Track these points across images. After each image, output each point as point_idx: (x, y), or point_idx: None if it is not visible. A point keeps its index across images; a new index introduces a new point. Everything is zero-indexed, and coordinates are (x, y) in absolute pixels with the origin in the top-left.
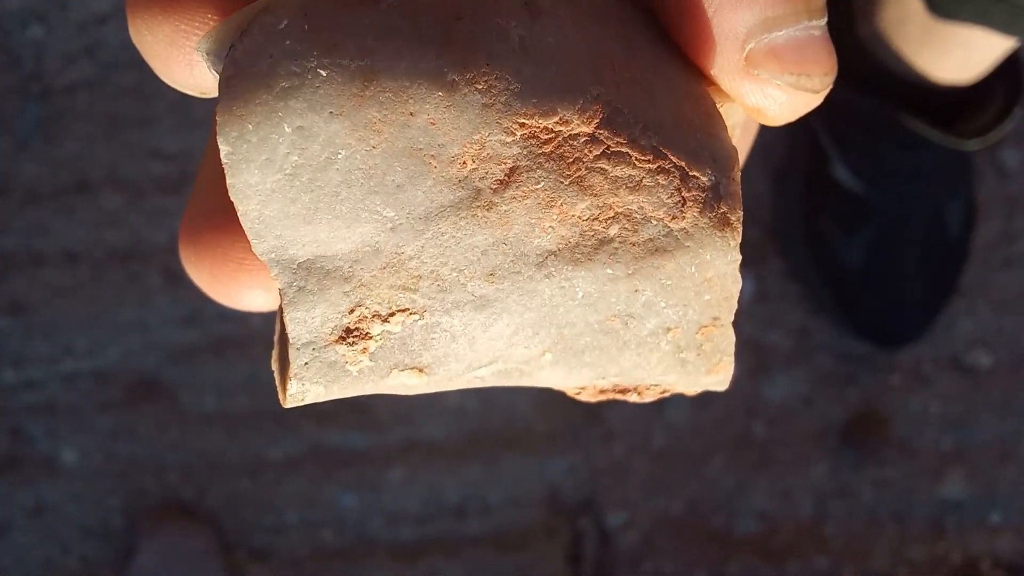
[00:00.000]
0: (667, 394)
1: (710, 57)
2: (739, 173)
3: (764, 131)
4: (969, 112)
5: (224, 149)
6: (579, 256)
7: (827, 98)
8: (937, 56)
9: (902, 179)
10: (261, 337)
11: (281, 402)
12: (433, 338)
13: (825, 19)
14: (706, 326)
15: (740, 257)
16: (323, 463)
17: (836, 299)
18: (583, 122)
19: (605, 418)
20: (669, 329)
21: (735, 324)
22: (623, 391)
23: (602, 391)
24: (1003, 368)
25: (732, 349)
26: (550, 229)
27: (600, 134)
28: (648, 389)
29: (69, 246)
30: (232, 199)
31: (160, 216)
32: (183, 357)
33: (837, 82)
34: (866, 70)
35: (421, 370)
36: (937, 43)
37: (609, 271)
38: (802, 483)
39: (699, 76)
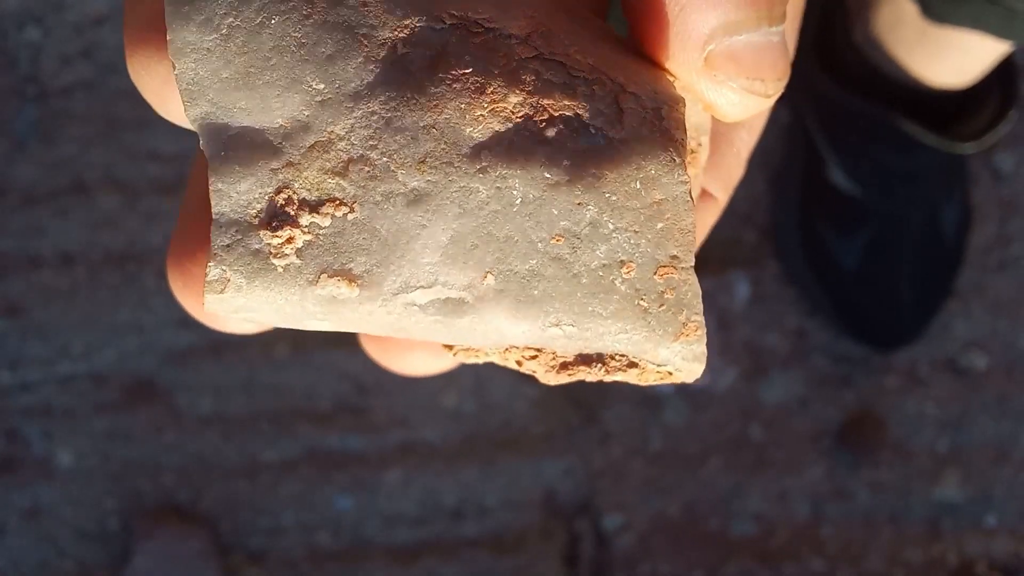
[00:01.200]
0: (638, 373)
1: (670, 53)
2: (685, 110)
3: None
4: (964, 115)
5: (167, 8)
6: (515, 153)
7: (823, 101)
8: (932, 60)
9: (897, 182)
10: (258, 340)
11: (197, 306)
12: (365, 239)
13: (783, 26)
14: (664, 266)
15: (689, 180)
16: (319, 465)
17: (832, 301)
18: (516, 28)
19: (602, 420)
20: (623, 263)
21: (730, 327)
22: (587, 362)
23: (563, 364)
24: (998, 370)
25: (700, 308)
26: (482, 119)
27: (533, 41)
28: (614, 360)
29: (65, 248)
30: (170, 58)
31: (157, 218)
32: (179, 359)
33: (833, 85)
34: (861, 73)
35: (352, 280)
36: (932, 47)
37: (547, 175)
38: (798, 485)
39: (650, 64)
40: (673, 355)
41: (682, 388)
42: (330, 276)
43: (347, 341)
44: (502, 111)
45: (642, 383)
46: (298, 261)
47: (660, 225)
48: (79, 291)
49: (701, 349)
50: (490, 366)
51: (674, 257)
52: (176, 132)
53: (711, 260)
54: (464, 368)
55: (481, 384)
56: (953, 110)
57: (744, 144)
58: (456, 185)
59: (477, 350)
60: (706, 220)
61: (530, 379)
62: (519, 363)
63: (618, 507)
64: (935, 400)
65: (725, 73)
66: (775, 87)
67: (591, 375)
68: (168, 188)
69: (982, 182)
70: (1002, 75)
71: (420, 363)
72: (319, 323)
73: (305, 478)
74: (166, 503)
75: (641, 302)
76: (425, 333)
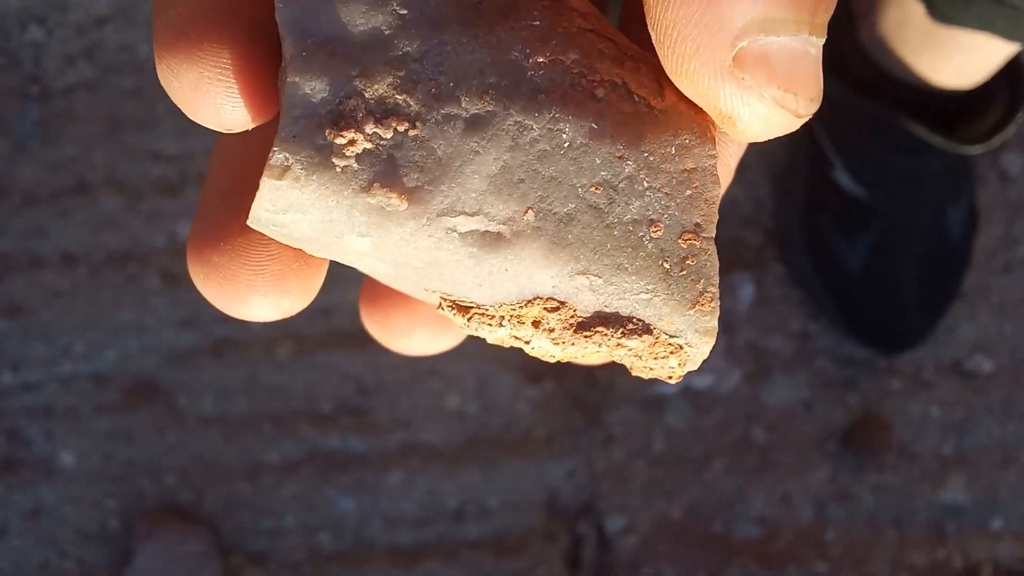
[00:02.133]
0: (651, 343)
1: (695, 47)
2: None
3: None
4: (970, 117)
5: None
6: (568, 101)
7: (828, 102)
8: (938, 61)
9: (903, 184)
10: (259, 340)
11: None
12: (421, 157)
13: (823, 40)
14: (689, 232)
15: (717, 155)
16: (321, 467)
17: (837, 304)
18: (577, 4)
19: (604, 422)
20: (652, 222)
21: (734, 329)
22: (605, 322)
23: (581, 324)
24: (1004, 373)
25: (716, 279)
26: (542, 65)
27: (590, 19)
28: (631, 323)
29: (67, 248)
30: None
31: (159, 218)
32: (181, 360)
33: (839, 87)
34: (867, 74)
35: (403, 193)
36: (938, 48)
37: (594, 125)
38: (802, 488)
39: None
40: (687, 325)
41: (685, 390)
42: (382, 186)
43: (349, 342)
44: (560, 63)
45: (649, 367)
46: (356, 165)
47: (688, 192)
48: (81, 292)
49: (713, 324)
50: (491, 366)
51: (698, 225)
52: (179, 132)
53: None
54: (466, 369)
55: (483, 386)
56: (959, 111)
57: (732, 154)
58: (512, 119)
59: (492, 316)
60: None
61: (533, 380)
62: (536, 323)
63: (621, 509)
64: (940, 403)
65: (754, 78)
66: (808, 107)
67: (606, 338)
68: (170, 188)
69: (989, 184)
70: (1009, 76)
71: (421, 343)
72: (359, 240)
73: (306, 479)
74: (167, 504)
75: (664, 263)
76: (456, 268)
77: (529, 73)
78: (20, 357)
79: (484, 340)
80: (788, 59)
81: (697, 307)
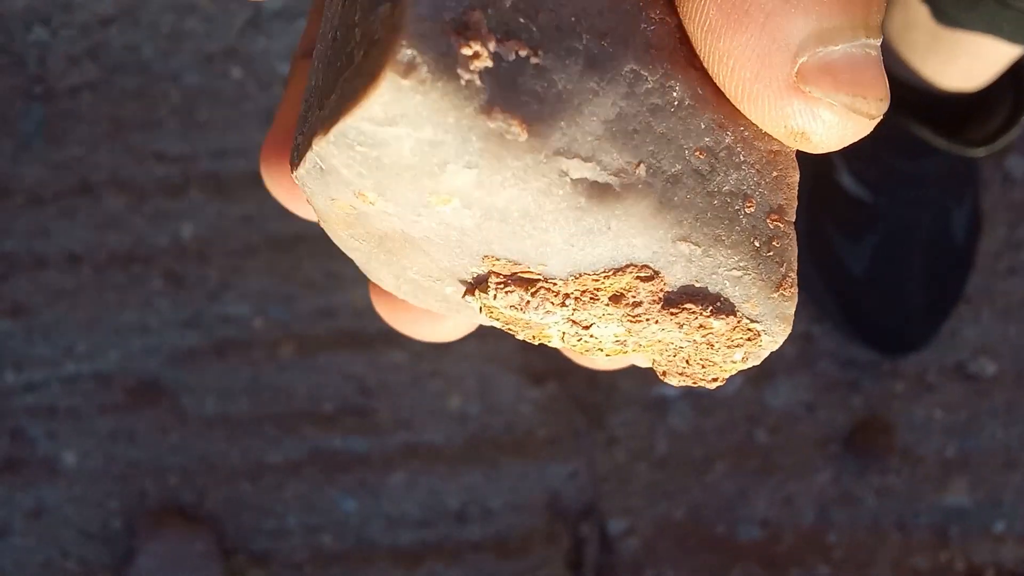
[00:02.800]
0: (731, 328)
1: (755, 72)
2: None
3: None
4: (975, 119)
5: None
6: (677, 60)
7: None
8: (943, 63)
9: (907, 186)
10: (262, 340)
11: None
12: (543, 88)
13: (881, 40)
14: (775, 213)
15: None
16: (324, 467)
17: (840, 306)
18: None
19: (607, 424)
20: (747, 196)
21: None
22: (694, 298)
23: (669, 298)
24: (1008, 376)
25: (796, 264)
26: (653, 21)
27: None
28: (719, 302)
29: (71, 248)
30: None
31: (162, 219)
32: (184, 360)
33: None
34: None
35: (524, 122)
36: (943, 50)
37: (700, 90)
38: (805, 490)
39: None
40: (769, 309)
41: (688, 392)
42: (503, 110)
43: (352, 343)
44: (667, 25)
45: (708, 361)
46: (479, 83)
47: (775, 173)
48: (84, 292)
49: (792, 312)
50: (493, 367)
51: (781, 208)
52: (182, 133)
53: None
54: (468, 370)
55: (486, 387)
56: (964, 114)
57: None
58: (628, 66)
59: (557, 292)
60: None
61: (535, 381)
62: (618, 297)
63: (623, 511)
64: (943, 406)
65: (820, 89)
66: (878, 107)
67: (691, 317)
68: (174, 189)
69: (992, 186)
70: (1014, 79)
71: (431, 328)
72: (464, 172)
73: (309, 480)
74: (170, 504)
75: (755, 242)
76: (554, 223)
77: (643, 26)
78: (23, 357)
79: (485, 339)
80: (850, 65)
81: (780, 291)
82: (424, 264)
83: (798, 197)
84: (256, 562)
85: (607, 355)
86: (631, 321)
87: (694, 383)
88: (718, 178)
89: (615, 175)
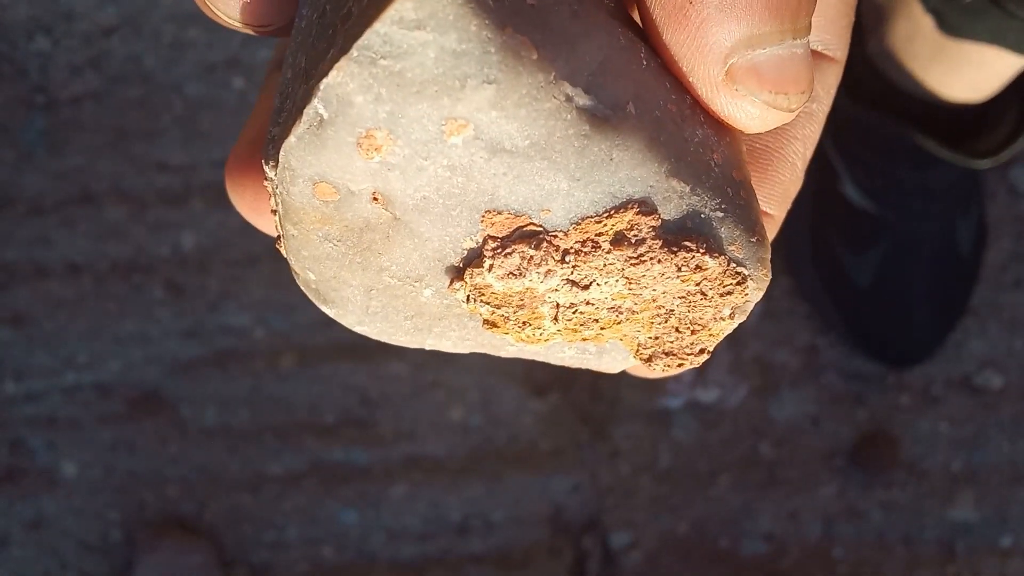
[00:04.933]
0: (721, 270)
1: (689, 67)
2: None
3: None
4: (980, 131)
5: None
6: (638, 31)
7: (836, 115)
8: (948, 74)
9: (912, 197)
10: (263, 351)
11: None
12: (542, 20)
13: (808, 38)
14: (737, 169)
15: None
16: (324, 479)
17: (845, 318)
18: None
19: (610, 436)
20: (713, 150)
21: (741, 343)
22: (689, 235)
23: (667, 241)
24: (1014, 389)
25: (761, 219)
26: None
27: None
28: (711, 240)
29: (72, 258)
30: None
31: (163, 228)
32: (184, 370)
33: (847, 100)
34: (876, 87)
35: (532, 45)
36: (948, 61)
37: (660, 58)
38: (810, 504)
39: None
40: (751, 253)
41: (692, 404)
42: (516, 30)
43: (353, 354)
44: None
45: (697, 323)
46: (492, 3)
47: (728, 138)
48: (85, 301)
49: (769, 257)
50: (495, 379)
51: (740, 165)
52: (184, 142)
53: None
54: (470, 382)
55: (488, 398)
56: (969, 125)
57: (799, 156)
58: (602, 28)
59: (557, 247)
60: None
61: (538, 393)
62: (619, 240)
63: (626, 524)
64: (949, 419)
65: (747, 87)
66: (798, 100)
67: (689, 257)
68: (175, 198)
69: (998, 198)
70: (1020, 90)
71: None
72: (483, 88)
73: (309, 491)
74: (169, 515)
75: (728, 189)
76: (563, 151)
77: (606, 1)
78: (23, 367)
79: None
80: (776, 66)
81: (756, 236)
82: (407, 256)
83: (803, 208)
84: (255, 574)
85: (601, 331)
86: (633, 264)
87: (680, 363)
88: (688, 130)
89: (611, 108)
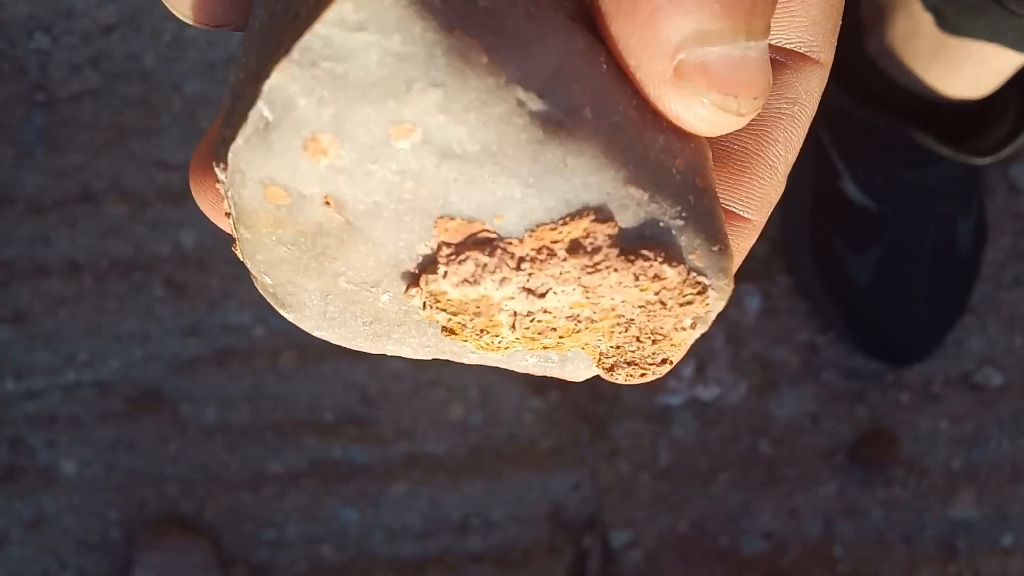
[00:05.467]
0: (682, 280)
1: (638, 60)
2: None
3: None
4: (980, 128)
5: None
6: (595, 32)
7: (836, 113)
8: (948, 72)
9: (912, 195)
10: (263, 349)
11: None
12: (493, 24)
13: (766, 40)
14: (699, 176)
15: None
16: (324, 477)
17: (844, 316)
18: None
19: (610, 435)
20: (675, 156)
21: (741, 341)
22: (648, 244)
23: (624, 250)
24: (1014, 386)
25: (725, 227)
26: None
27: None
28: (669, 249)
29: (72, 256)
30: None
31: (163, 227)
32: (185, 368)
33: (847, 97)
34: (875, 85)
35: (482, 49)
36: (948, 58)
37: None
38: (810, 502)
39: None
40: (712, 263)
41: (692, 402)
42: (465, 32)
43: (353, 352)
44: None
45: (658, 334)
46: (439, 3)
47: (692, 144)
48: (85, 300)
49: (732, 268)
50: (495, 377)
51: (704, 171)
52: (184, 140)
53: None
54: (470, 380)
55: (488, 397)
56: (969, 122)
57: (780, 159)
58: (560, 31)
59: (512, 255)
60: (741, 244)
61: (538, 391)
62: (574, 247)
63: (626, 523)
64: (949, 417)
65: (695, 86)
66: (749, 106)
67: (647, 266)
68: (175, 197)
69: (998, 196)
70: (1020, 87)
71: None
72: (431, 91)
73: (309, 490)
74: (169, 514)
75: (690, 197)
76: (515, 158)
77: (565, 2)
78: (23, 365)
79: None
80: (726, 66)
81: (719, 245)
82: (363, 262)
83: (802, 206)
84: (255, 573)
85: (560, 340)
86: (590, 273)
87: (642, 374)
88: (648, 136)
89: (566, 114)
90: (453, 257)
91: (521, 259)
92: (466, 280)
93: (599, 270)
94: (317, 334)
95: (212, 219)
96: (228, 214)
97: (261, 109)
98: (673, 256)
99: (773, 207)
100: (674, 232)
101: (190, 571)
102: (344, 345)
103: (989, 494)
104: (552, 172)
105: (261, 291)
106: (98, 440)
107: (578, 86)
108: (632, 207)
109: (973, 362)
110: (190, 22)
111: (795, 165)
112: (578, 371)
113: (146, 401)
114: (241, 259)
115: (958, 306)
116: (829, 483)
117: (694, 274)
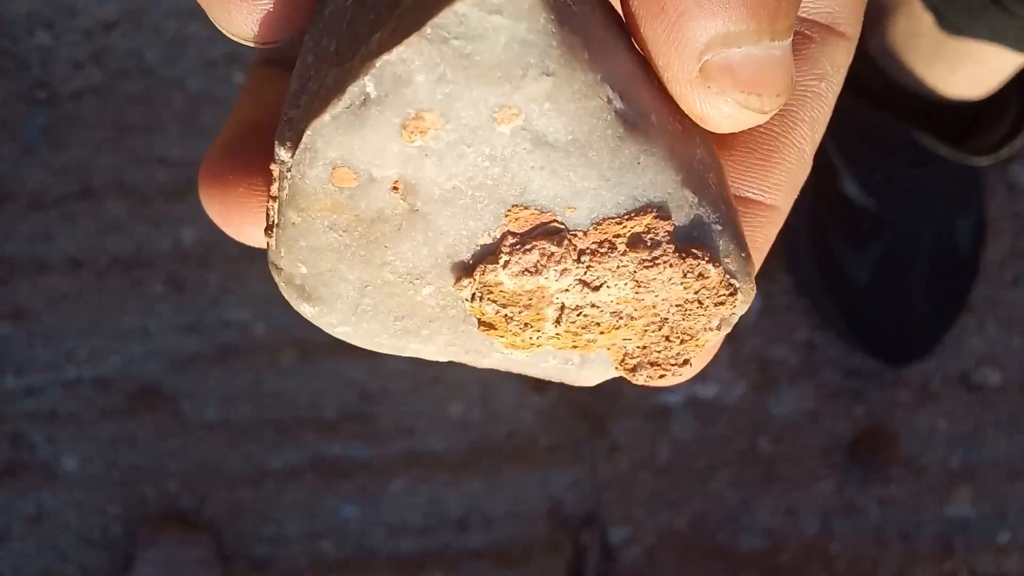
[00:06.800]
0: (717, 281)
1: (665, 62)
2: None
3: None
4: (980, 128)
5: None
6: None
7: (836, 112)
8: (948, 71)
9: (911, 195)
10: (264, 346)
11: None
12: (582, 30)
13: (789, 39)
14: (726, 189)
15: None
16: (324, 474)
17: (843, 315)
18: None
19: (609, 432)
20: (710, 168)
21: (740, 339)
22: (695, 243)
23: (678, 244)
24: (1012, 386)
25: (746, 240)
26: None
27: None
28: (712, 251)
29: (72, 253)
30: None
31: (164, 223)
32: (185, 365)
33: (847, 96)
34: (876, 84)
35: (583, 49)
36: (948, 58)
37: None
38: (808, 500)
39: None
40: (742, 267)
41: (691, 400)
42: (571, 31)
43: (353, 349)
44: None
45: (685, 335)
46: (555, 1)
47: (718, 164)
48: (86, 296)
49: (755, 274)
50: (495, 374)
51: (729, 194)
52: (185, 137)
53: None
54: (470, 377)
55: (487, 394)
56: (969, 122)
57: (807, 139)
58: (625, 43)
59: (576, 247)
60: (767, 232)
61: (537, 388)
62: (635, 241)
63: (625, 520)
64: (947, 415)
65: (719, 85)
66: (772, 103)
67: (695, 263)
68: (176, 194)
69: (997, 195)
70: (1020, 87)
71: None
72: (541, 80)
73: (309, 486)
74: (170, 510)
75: (722, 205)
76: (599, 151)
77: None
78: (24, 361)
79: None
80: (751, 65)
81: (745, 252)
82: (416, 251)
83: (802, 204)
84: (255, 569)
85: (599, 335)
86: (647, 267)
87: (662, 375)
88: (690, 146)
89: (639, 116)
90: (518, 246)
91: (582, 251)
92: (527, 270)
93: (656, 264)
94: (338, 330)
95: (219, 224)
96: (273, 198)
97: (365, 85)
98: (715, 257)
99: (798, 192)
100: (715, 236)
101: (190, 567)
102: (362, 344)
103: (986, 493)
104: (627, 168)
105: (283, 283)
106: (99, 436)
107: (643, 94)
108: (685, 208)
109: (972, 361)
110: (252, 44)
111: None
112: (593, 375)
113: (147, 397)
114: (271, 247)
115: (957, 305)
116: (827, 481)
117: (728, 276)
